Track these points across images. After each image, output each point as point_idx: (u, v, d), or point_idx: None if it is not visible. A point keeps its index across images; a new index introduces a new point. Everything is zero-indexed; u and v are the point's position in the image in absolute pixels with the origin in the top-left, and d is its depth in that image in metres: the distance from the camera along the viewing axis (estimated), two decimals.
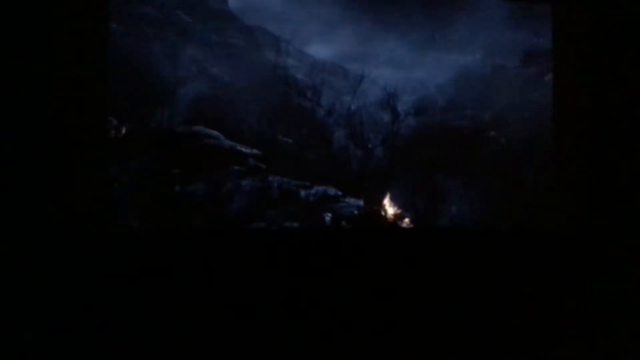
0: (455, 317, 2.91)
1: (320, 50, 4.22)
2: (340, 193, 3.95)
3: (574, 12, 3.12)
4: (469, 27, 4.05)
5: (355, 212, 3.85)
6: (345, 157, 4.03)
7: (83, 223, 2.80)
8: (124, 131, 3.63)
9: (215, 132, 3.97)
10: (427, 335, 2.89)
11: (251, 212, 3.63)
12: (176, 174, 3.66)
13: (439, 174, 3.86)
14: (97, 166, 2.89)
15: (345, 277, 2.94)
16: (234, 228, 3.54)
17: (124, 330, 2.79)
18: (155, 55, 3.83)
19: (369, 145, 4.03)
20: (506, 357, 2.84)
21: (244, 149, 4.04)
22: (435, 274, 2.95)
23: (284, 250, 2.98)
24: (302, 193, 3.88)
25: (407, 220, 3.82)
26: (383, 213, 3.86)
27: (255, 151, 4.04)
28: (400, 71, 4.07)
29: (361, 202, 3.92)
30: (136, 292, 2.82)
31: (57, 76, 2.78)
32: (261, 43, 4.37)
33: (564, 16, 3.16)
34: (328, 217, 3.83)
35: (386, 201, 3.89)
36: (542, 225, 3.17)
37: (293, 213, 3.74)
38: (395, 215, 3.85)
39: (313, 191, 3.92)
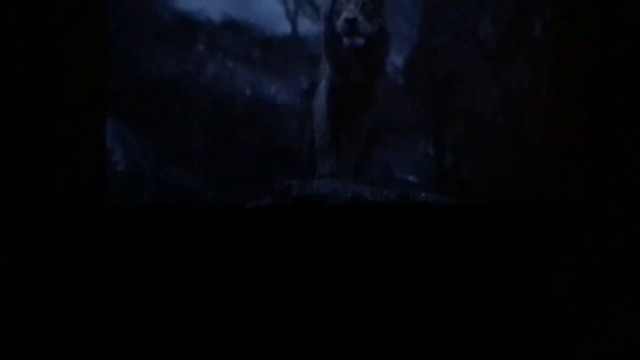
0: (450, 293, 2.90)
1: None
2: None
3: None
4: None
5: None
6: None
7: (83, 198, 2.71)
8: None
9: None
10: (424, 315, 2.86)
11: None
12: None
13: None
14: (96, 141, 2.89)
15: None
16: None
17: (128, 310, 2.80)
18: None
19: None
20: (505, 339, 2.80)
21: None
22: (433, 247, 2.94)
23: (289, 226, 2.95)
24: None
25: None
26: None
27: None
28: None
29: None
30: (139, 270, 2.76)
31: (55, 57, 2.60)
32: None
33: None
34: None
35: None
36: (540, 198, 3.16)
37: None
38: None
39: None
